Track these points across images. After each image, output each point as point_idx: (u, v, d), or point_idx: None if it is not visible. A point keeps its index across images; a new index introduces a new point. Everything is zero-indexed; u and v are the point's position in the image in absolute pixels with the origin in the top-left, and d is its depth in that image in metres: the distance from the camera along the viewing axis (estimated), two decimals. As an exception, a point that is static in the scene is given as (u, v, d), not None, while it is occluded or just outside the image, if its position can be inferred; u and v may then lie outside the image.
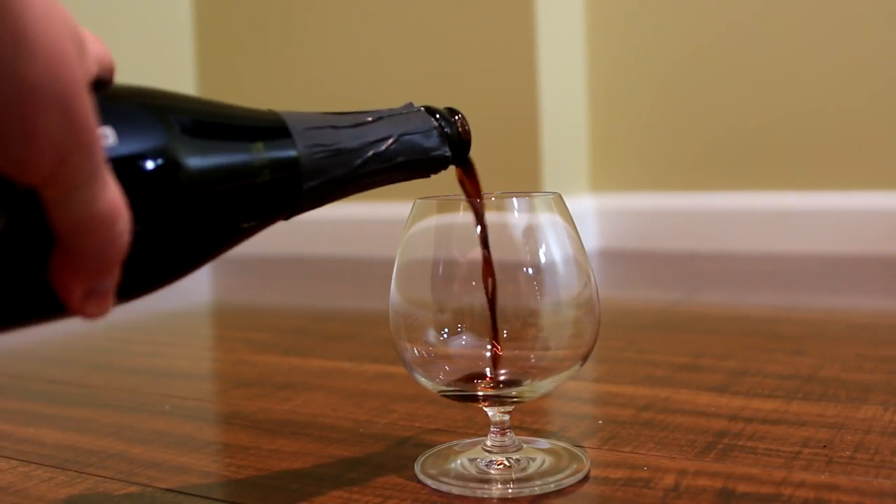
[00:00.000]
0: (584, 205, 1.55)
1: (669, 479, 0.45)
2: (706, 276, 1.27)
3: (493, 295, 0.45)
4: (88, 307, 0.30)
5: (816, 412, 0.56)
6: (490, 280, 0.45)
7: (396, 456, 0.51)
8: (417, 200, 0.47)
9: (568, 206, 0.47)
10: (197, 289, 1.44)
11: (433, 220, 0.46)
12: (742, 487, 0.44)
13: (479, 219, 0.45)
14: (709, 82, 1.49)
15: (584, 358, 0.47)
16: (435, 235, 0.46)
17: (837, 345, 0.76)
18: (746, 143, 1.47)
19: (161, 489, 0.48)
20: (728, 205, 1.48)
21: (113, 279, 0.30)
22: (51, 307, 0.30)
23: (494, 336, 0.45)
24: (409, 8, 1.57)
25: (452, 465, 0.48)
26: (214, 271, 1.60)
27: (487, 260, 0.45)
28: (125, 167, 0.30)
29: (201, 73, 1.81)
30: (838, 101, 1.40)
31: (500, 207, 0.46)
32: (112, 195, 0.28)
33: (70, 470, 0.51)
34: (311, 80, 1.70)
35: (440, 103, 0.45)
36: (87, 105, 0.26)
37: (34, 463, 0.53)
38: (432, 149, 0.43)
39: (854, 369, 0.66)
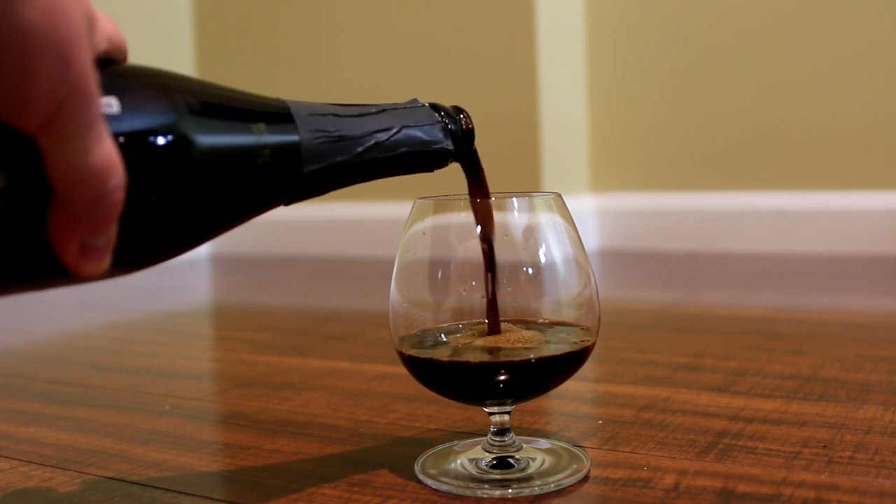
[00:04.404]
0: (584, 205, 1.55)
1: (669, 479, 0.45)
2: (706, 276, 1.27)
3: (493, 276, 0.46)
4: (83, 264, 0.30)
5: (816, 412, 0.56)
6: (490, 276, 0.46)
7: (396, 456, 0.51)
8: (417, 200, 0.47)
9: (568, 206, 0.47)
10: (197, 289, 1.44)
11: (433, 220, 0.46)
12: (742, 487, 0.44)
13: (484, 219, 0.45)
14: (709, 83, 1.49)
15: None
16: (434, 235, 0.46)
17: (837, 345, 0.76)
18: (746, 143, 1.47)
19: (161, 489, 0.48)
20: (728, 205, 1.48)
21: (108, 237, 0.30)
22: (49, 265, 0.30)
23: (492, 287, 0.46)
24: (409, 8, 1.57)
25: (452, 465, 0.48)
26: (214, 271, 1.60)
27: (487, 256, 0.45)
28: (126, 137, 0.31)
29: (200, 67, 1.81)
30: (838, 102, 1.40)
31: (500, 207, 0.47)
32: (107, 150, 0.29)
33: (70, 470, 0.51)
34: (308, 77, 1.69)
35: (441, 102, 0.45)
36: (84, 56, 0.27)
37: (34, 463, 0.53)
38: (434, 142, 0.43)
39: (854, 369, 0.66)
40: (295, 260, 1.64)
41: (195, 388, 0.72)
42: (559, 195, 0.47)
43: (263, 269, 1.55)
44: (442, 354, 0.45)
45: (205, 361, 0.86)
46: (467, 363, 0.44)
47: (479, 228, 0.46)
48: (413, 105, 0.44)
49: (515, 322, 0.47)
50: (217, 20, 1.79)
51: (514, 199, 0.46)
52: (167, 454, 0.53)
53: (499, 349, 0.45)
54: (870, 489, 0.43)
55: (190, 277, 1.50)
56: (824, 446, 0.49)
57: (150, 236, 0.33)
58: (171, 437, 0.57)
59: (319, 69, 1.68)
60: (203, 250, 1.77)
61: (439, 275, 0.46)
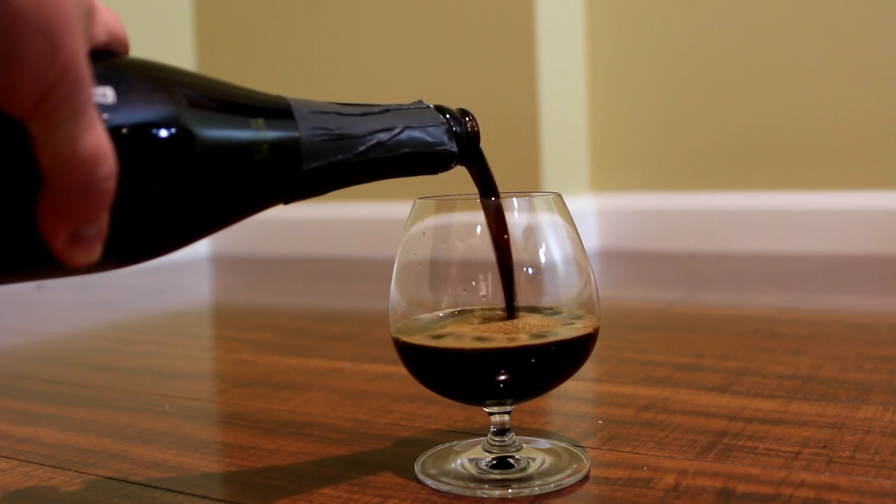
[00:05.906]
0: (584, 205, 1.55)
1: (669, 479, 0.45)
2: (706, 276, 1.27)
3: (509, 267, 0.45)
4: (72, 253, 0.30)
5: (816, 412, 0.56)
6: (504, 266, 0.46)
7: (396, 456, 0.51)
8: (417, 200, 0.47)
9: (568, 206, 0.47)
10: (197, 289, 1.44)
11: (433, 220, 0.46)
12: (742, 487, 0.44)
13: (497, 219, 0.45)
14: (709, 83, 1.49)
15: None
16: (434, 235, 0.46)
17: (837, 345, 0.76)
18: (746, 143, 1.47)
19: (161, 489, 0.48)
20: (728, 205, 1.48)
21: (98, 226, 0.30)
22: (39, 253, 0.30)
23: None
24: (409, 9, 1.57)
25: (452, 465, 0.48)
26: (214, 271, 1.60)
27: (501, 254, 0.45)
28: (120, 127, 0.31)
29: (199, 69, 1.81)
30: (838, 102, 1.40)
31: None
32: (98, 137, 0.28)
33: (70, 470, 0.51)
34: (308, 78, 1.69)
35: (440, 103, 0.45)
36: (75, 42, 0.27)
37: (34, 463, 0.53)
38: (438, 143, 0.42)
39: (854, 369, 0.66)
40: (295, 260, 1.64)
41: (195, 388, 0.72)
42: (559, 195, 0.47)
43: (263, 269, 1.55)
44: (439, 342, 0.44)
45: (205, 361, 0.86)
46: (463, 350, 0.43)
47: (491, 228, 0.45)
48: (418, 106, 0.43)
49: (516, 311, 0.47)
50: (217, 25, 1.79)
51: (514, 199, 0.46)
52: (167, 454, 0.53)
53: (498, 337, 0.45)
54: (870, 489, 0.43)
55: (190, 277, 1.50)
56: (824, 446, 0.49)
57: (141, 230, 0.33)
58: (171, 437, 0.57)
59: (318, 71, 1.68)
60: (203, 250, 1.77)
61: (439, 275, 0.46)
